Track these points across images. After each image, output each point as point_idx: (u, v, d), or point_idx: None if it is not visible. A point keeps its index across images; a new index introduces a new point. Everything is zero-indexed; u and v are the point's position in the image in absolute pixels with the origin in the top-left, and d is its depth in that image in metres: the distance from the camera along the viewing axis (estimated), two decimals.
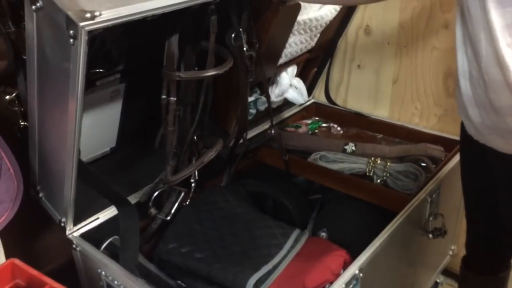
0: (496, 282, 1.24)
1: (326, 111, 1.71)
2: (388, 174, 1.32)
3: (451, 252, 1.57)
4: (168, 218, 1.15)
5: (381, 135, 1.58)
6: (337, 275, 0.97)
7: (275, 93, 1.49)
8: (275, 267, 0.99)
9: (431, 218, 1.26)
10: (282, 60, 1.39)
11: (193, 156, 1.17)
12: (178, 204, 1.16)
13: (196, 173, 1.22)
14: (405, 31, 1.49)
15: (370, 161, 1.35)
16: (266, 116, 1.52)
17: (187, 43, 1.01)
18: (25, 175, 1.04)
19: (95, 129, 1.14)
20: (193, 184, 1.20)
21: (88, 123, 1.11)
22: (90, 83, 1.02)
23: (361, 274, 0.98)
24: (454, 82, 1.44)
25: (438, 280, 1.57)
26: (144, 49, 1.07)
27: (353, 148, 1.45)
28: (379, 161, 1.35)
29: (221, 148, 1.14)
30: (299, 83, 1.55)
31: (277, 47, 1.31)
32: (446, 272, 1.62)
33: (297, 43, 1.37)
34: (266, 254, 1.01)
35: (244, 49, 1.08)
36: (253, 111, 1.43)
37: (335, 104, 1.69)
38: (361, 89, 1.64)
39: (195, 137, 1.17)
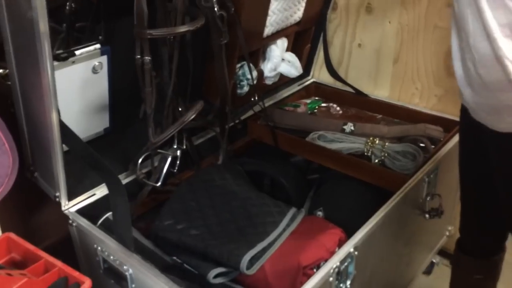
0: (490, 265, 1.24)
1: (326, 91, 1.69)
2: (386, 154, 1.31)
3: (447, 233, 1.57)
4: (159, 184, 1.16)
5: (380, 116, 1.57)
6: (332, 253, 0.97)
7: (267, 68, 1.48)
8: (270, 245, 0.99)
9: (428, 198, 1.26)
10: (268, 30, 1.38)
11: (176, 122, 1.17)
12: (167, 170, 1.16)
13: (185, 142, 1.22)
14: (407, 10, 1.46)
15: (368, 141, 1.34)
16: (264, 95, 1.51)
17: (159, 2, 1.01)
18: (21, 155, 1.04)
19: (84, 108, 1.13)
20: (178, 152, 1.20)
21: (76, 101, 1.10)
22: (70, 53, 1.01)
23: (356, 252, 0.98)
24: None
25: (434, 260, 1.57)
26: (121, 19, 1.06)
27: (352, 128, 1.44)
28: (377, 141, 1.34)
29: (201, 108, 1.12)
30: (291, 56, 1.54)
31: (258, 14, 1.30)
32: (443, 253, 1.62)
33: (280, 9, 1.36)
34: (262, 231, 1.01)
35: (215, 9, 1.07)
36: (243, 82, 1.42)
37: (339, 78, 1.66)
38: (362, 68, 1.63)
39: (180, 108, 1.17)
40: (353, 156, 1.34)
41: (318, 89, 1.71)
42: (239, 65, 1.39)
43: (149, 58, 1.01)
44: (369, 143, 1.34)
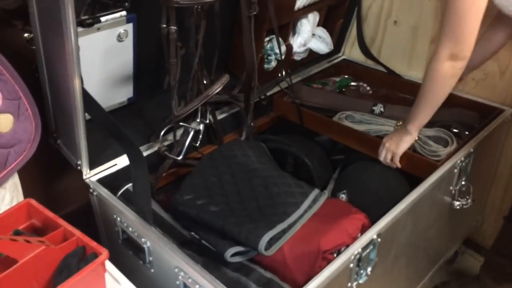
0: None
1: (357, 69, 1.63)
2: (416, 139, 1.25)
3: (475, 223, 1.52)
4: (180, 157, 1.14)
5: (413, 97, 1.49)
6: (354, 239, 0.94)
7: (297, 43, 1.43)
8: (290, 226, 0.96)
9: (458, 187, 1.21)
10: (300, 3, 1.33)
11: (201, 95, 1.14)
12: (189, 144, 1.15)
13: (208, 116, 1.20)
14: None
15: (398, 123, 1.29)
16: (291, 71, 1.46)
17: None
18: (45, 121, 1.04)
19: (108, 76, 1.11)
20: (201, 126, 1.18)
21: (100, 69, 1.09)
22: (95, 19, 0.99)
23: (379, 239, 0.95)
24: None
25: (458, 249, 1.53)
26: None
27: (382, 109, 1.38)
28: None
29: (226, 82, 1.09)
30: (323, 32, 1.48)
31: None
32: (468, 242, 1.57)
33: None
34: (283, 212, 0.98)
35: None
36: (271, 57, 1.37)
37: (371, 57, 1.59)
38: (396, 47, 1.55)
39: (204, 80, 1.14)
40: (380, 139, 1.28)
41: (348, 67, 1.65)
42: (267, 38, 1.34)
43: (175, 28, 0.98)
44: (399, 126, 1.28)
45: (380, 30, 1.57)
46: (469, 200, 1.23)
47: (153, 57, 1.16)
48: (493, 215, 1.52)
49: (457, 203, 1.22)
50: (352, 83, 1.58)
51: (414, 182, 1.10)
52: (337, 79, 1.58)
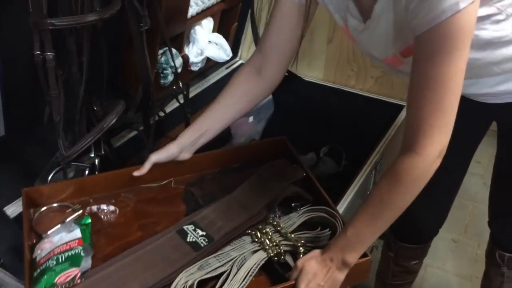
0: (425, 249, 1.25)
1: None
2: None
3: None
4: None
5: None
6: None
7: (193, 53, 1.31)
8: None
9: None
10: (193, 10, 1.22)
11: (92, 127, 0.98)
12: None
13: (103, 146, 1.04)
14: None
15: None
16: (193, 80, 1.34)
17: None
18: None
19: None
20: (96, 160, 1.02)
21: None
22: None
23: None
24: None
25: (373, 245, 1.55)
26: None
27: None
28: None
29: (122, 110, 0.96)
30: (218, 38, 1.38)
31: None
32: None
33: None
34: None
35: None
36: (167, 71, 1.23)
37: None
38: None
39: (94, 107, 0.98)
40: None
41: None
42: (161, 51, 1.20)
43: (53, 54, 0.80)
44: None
45: None
46: None
47: (25, 85, 0.96)
48: None
49: None
50: None
51: None
52: None
